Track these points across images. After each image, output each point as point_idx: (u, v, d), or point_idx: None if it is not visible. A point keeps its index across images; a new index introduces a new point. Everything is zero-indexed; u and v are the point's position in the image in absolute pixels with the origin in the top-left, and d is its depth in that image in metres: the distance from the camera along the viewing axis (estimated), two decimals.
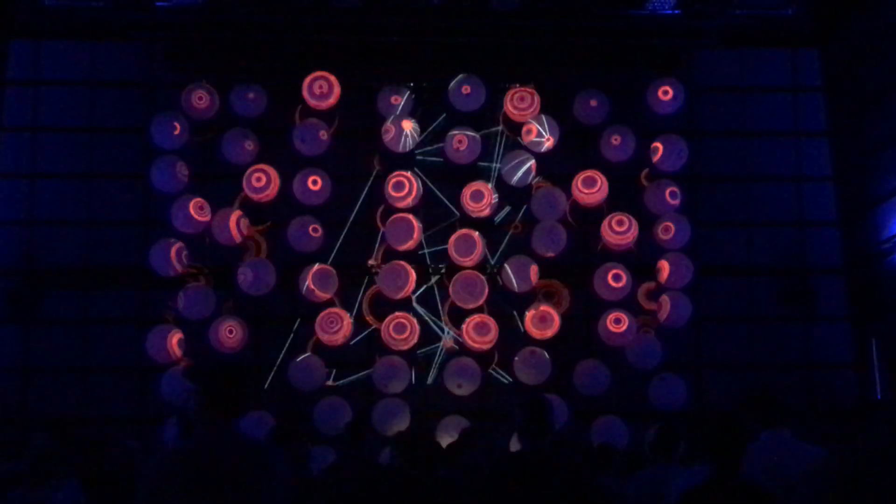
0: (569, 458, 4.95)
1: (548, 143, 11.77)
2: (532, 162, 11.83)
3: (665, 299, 11.53)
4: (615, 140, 11.88)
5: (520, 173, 11.80)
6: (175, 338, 11.23)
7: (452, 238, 11.57)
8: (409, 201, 11.67)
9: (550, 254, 11.56)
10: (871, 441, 4.10)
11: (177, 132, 11.61)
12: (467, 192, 11.69)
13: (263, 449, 3.71)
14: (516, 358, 11.37)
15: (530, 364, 11.25)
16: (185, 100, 11.74)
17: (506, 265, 11.54)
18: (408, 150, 11.85)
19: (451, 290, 11.48)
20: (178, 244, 11.36)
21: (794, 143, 12.85)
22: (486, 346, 11.38)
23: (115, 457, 6.16)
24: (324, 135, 11.74)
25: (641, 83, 12.12)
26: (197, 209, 11.41)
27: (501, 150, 12.12)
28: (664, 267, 11.60)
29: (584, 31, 12.09)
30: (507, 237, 12.02)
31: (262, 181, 11.56)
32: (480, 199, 11.63)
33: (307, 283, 11.20)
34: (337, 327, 11.26)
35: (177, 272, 11.33)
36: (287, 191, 11.59)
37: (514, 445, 9.42)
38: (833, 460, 4.10)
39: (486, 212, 11.75)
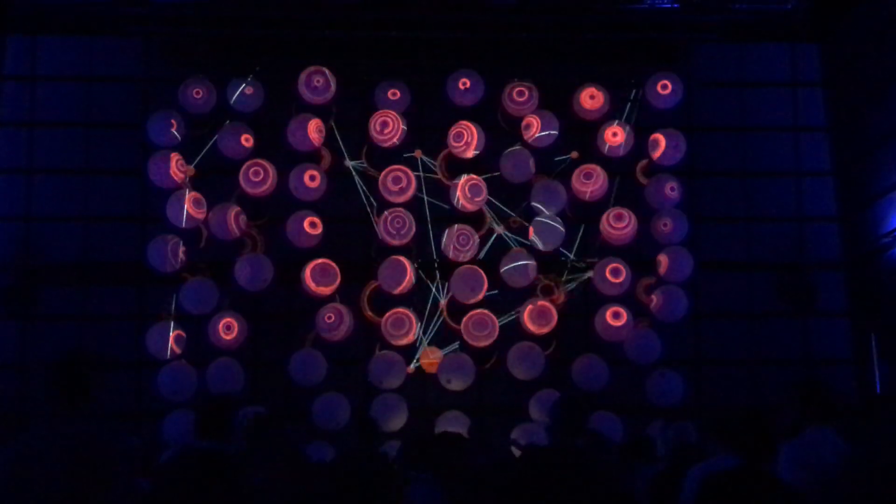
0: (601, 457, 4.93)
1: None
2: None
3: (660, 293, 11.50)
4: (613, 135, 11.83)
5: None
6: (175, 334, 11.18)
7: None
8: (406, 196, 11.67)
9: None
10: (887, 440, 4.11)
11: (173, 128, 11.58)
12: (464, 184, 11.65)
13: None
14: (510, 353, 11.35)
15: (524, 359, 11.23)
16: (181, 95, 11.70)
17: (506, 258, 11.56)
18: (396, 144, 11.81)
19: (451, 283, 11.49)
20: (176, 240, 11.33)
21: (793, 138, 12.82)
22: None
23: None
24: (320, 130, 11.72)
25: (640, 77, 12.07)
26: (193, 204, 11.37)
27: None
28: (663, 261, 11.57)
29: (583, 26, 12.05)
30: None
31: (260, 176, 11.53)
32: (479, 193, 11.61)
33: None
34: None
35: (174, 268, 11.29)
36: (284, 186, 11.56)
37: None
38: (855, 461, 4.10)
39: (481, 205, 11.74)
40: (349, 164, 11.87)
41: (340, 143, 11.90)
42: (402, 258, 11.44)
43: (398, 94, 11.89)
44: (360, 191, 11.85)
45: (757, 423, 4.07)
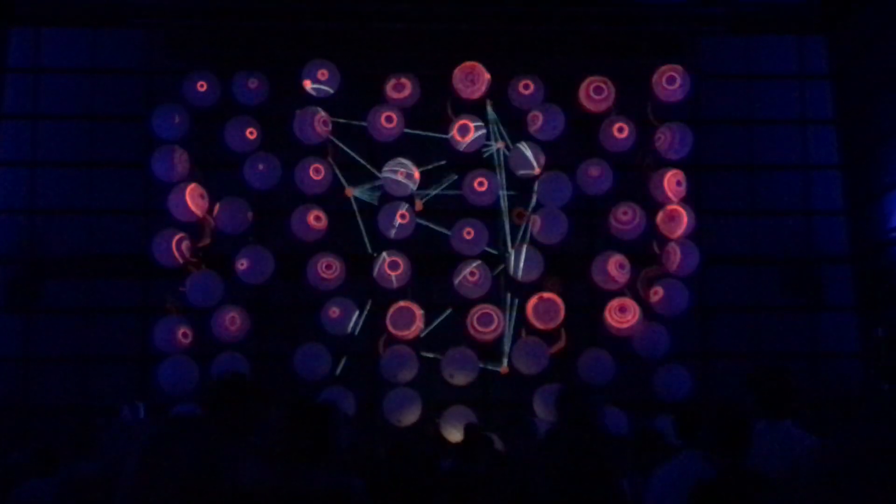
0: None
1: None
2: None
3: (661, 287, 11.44)
4: (619, 130, 11.75)
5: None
6: (181, 327, 11.16)
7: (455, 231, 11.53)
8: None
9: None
10: (861, 435, 4.01)
11: (177, 121, 11.54)
12: (472, 180, 11.62)
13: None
14: (515, 348, 11.32)
15: (527, 353, 11.19)
16: (186, 88, 11.65)
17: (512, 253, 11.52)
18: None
19: None
20: (180, 234, 11.29)
21: (800, 132, 12.76)
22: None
23: None
24: (325, 123, 11.67)
25: (647, 70, 12.01)
26: (196, 197, 11.32)
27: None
28: (668, 255, 11.48)
29: (590, 18, 11.99)
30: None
31: (262, 168, 11.48)
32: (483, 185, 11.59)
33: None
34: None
35: (178, 262, 11.25)
36: (289, 179, 11.52)
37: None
38: (824, 453, 4.01)
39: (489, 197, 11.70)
40: (350, 192, 11.83)
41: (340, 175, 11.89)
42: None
43: (406, 86, 11.83)
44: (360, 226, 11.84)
45: (735, 420, 3.95)
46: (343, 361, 11.43)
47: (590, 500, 4.11)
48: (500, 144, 11.91)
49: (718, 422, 3.96)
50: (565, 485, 4.28)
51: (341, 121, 11.92)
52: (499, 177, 11.86)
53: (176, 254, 11.22)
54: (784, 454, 4.30)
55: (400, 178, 11.45)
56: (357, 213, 11.91)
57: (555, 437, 4.84)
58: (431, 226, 11.84)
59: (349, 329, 11.32)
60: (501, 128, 12.04)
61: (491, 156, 11.96)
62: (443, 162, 12.01)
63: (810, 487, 3.84)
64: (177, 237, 11.26)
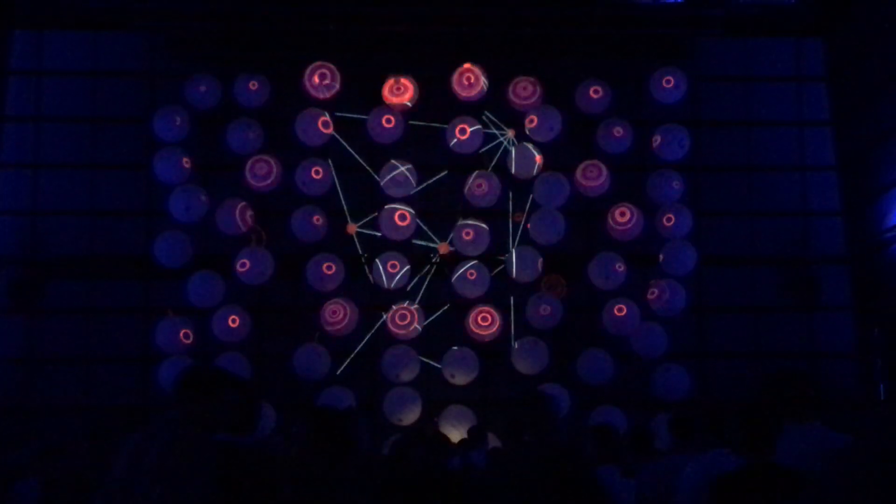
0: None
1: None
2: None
3: (660, 287, 11.51)
4: (616, 132, 11.81)
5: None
6: (182, 328, 11.23)
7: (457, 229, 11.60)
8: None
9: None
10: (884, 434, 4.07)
11: (178, 123, 11.61)
12: (472, 181, 11.69)
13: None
14: (515, 346, 11.38)
15: (528, 353, 11.26)
16: (187, 90, 11.73)
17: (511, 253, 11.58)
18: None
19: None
20: (182, 236, 11.37)
21: (797, 133, 12.82)
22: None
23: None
24: (327, 124, 11.75)
25: (644, 72, 12.08)
26: (197, 199, 11.39)
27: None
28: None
29: (588, 20, 12.05)
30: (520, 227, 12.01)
31: (265, 170, 11.55)
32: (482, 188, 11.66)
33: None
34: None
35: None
36: (290, 180, 11.59)
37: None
38: (853, 451, 4.07)
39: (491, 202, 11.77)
40: (353, 228, 11.92)
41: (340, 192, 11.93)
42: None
43: (402, 87, 11.90)
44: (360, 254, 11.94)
45: (761, 417, 4.04)
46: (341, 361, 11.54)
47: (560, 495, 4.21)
48: (511, 133, 11.98)
49: (745, 421, 4.04)
50: (531, 487, 4.39)
51: (346, 115, 11.98)
52: (508, 163, 11.94)
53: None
54: (817, 454, 4.34)
55: (402, 171, 11.46)
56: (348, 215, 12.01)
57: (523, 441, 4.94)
58: (432, 236, 11.96)
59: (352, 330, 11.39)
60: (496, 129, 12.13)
61: (490, 155, 12.02)
62: (444, 172, 12.10)
63: (844, 486, 3.89)
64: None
